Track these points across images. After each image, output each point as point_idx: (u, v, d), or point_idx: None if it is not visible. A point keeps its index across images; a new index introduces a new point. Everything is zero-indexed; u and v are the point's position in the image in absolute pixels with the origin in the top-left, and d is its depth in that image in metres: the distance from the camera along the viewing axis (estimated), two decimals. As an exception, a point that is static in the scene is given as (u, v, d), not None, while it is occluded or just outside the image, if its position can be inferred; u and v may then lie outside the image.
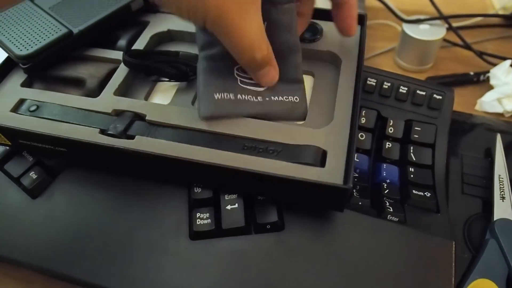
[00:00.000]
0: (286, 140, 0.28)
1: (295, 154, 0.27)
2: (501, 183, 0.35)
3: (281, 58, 0.31)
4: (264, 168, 0.26)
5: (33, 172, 0.32)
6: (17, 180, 0.32)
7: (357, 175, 0.34)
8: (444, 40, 0.50)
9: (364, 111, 0.37)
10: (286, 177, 0.25)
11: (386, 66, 0.52)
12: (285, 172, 0.26)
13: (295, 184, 0.25)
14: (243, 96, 0.30)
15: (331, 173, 0.26)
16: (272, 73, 0.29)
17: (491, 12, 0.59)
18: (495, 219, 0.33)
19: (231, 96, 0.30)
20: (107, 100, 0.31)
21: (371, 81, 0.38)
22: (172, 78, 0.33)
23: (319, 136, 0.29)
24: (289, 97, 0.31)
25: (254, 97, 0.31)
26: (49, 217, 0.30)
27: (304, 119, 0.31)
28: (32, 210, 0.31)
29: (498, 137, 0.39)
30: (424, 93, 0.37)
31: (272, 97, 0.31)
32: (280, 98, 0.31)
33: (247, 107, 0.30)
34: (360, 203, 0.32)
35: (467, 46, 0.49)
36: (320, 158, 0.27)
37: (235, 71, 0.31)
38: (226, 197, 0.29)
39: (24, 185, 0.32)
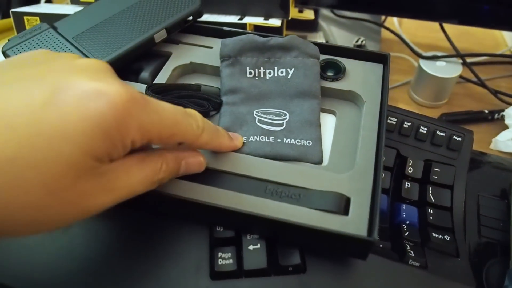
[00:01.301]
0: (309, 185, 0.28)
1: (318, 200, 0.27)
2: (519, 228, 0.35)
3: (299, 101, 0.33)
4: (286, 215, 0.26)
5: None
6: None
7: (376, 215, 0.34)
8: (460, 76, 0.50)
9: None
10: (308, 226, 0.25)
11: (401, 100, 0.52)
12: (307, 219, 0.26)
13: (317, 233, 0.25)
14: (255, 137, 0.31)
15: (355, 222, 0.26)
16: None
17: (503, 48, 0.59)
18: (513, 265, 0.33)
19: (244, 139, 0.31)
20: None
21: (392, 120, 0.38)
22: None
23: (343, 181, 0.28)
24: (302, 140, 0.32)
25: (266, 137, 0.31)
26: (66, 250, 0.30)
27: (319, 163, 0.31)
28: (49, 243, 0.30)
29: (514, 179, 0.39)
30: (444, 134, 0.37)
31: (285, 139, 0.32)
32: (293, 141, 0.32)
33: (257, 147, 0.31)
34: (381, 246, 0.31)
35: (482, 84, 0.49)
36: (344, 205, 0.27)
37: (255, 112, 0.33)
38: (248, 237, 0.29)
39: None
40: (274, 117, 0.33)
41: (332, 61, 0.36)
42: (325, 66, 0.36)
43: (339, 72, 0.36)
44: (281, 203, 0.27)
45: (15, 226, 0.20)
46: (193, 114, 0.26)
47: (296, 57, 0.34)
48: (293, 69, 0.34)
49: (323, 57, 0.36)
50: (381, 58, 0.36)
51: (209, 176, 0.29)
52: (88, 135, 0.19)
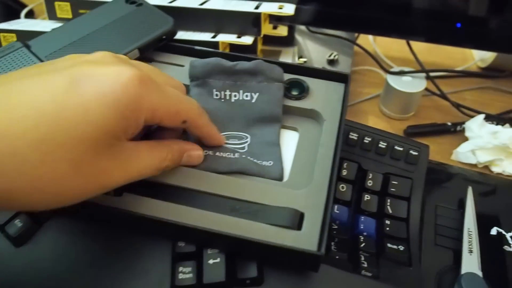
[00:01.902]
0: (267, 201, 0.30)
1: (274, 216, 0.29)
2: (469, 237, 0.37)
3: (261, 124, 0.35)
4: (243, 231, 0.28)
5: (18, 220, 0.32)
6: (1, 228, 0.32)
7: (336, 227, 0.36)
8: (426, 89, 0.52)
9: (345, 163, 0.39)
10: (261, 241, 0.27)
11: (371, 112, 0.54)
12: (263, 234, 0.28)
13: (270, 248, 0.27)
14: (221, 153, 0.33)
15: (307, 237, 0.28)
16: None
17: (470, 62, 0.62)
18: (462, 272, 0.35)
19: (210, 152, 0.33)
20: None
21: (353, 135, 0.40)
22: None
23: (299, 197, 0.30)
24: (263, 162, 0.34)
25: (232, 154, 0.33)
26: (32, 266, 0.31)
27: (280, 179, 0.33)
28: (15, 259, 0.31)
29: (470, 190, 0.41)
30: (401, 148, 0.39)
31: (249, 157, 0.33)
32: (255, 160, 0.33)
33: (224, 163, 0.33)
34: (337, 257, 0.33)
35: (445, 98, 0.52)
36: (297, 220, 0.29)
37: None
38: (209, 251, 0.30)
39: (9, 233, 0.31)
40: (236, 141, 0.34)
41: (296, 80, 0.38)
42: (290, 85, 0.38)
43: (303, 91, 0.38)
44: (240, 219, 0.29)
45: (43, 198, 0.22)
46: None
47: (261, 82, 0.36)
48: (257, 93, 0.36)
49: (289, 76, 0.38)
50: (342, 78, 0.38)
51: (170, 193, 0.30)
52: (106, 117, 0.22)
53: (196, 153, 0.31)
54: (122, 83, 0.23)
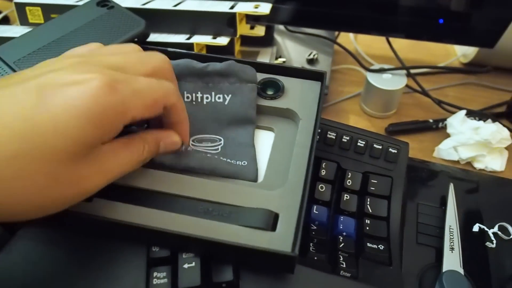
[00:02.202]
0: (241, 202, 0.30)
1: (247, 217, 0.29)
2: (451, 234, 0.37)
3: (235, 127, 0.35)
4: (216, 233, 0.27)
5: (-10, 228, 0.31)
6: (-29, 238, 0.31)
7: (315, 227, 0.35)
8: (407, 86, 0.53)
9: (324, 163, 0.38)
10: (233, 244, 0.26)
11: (352, 111, 0.54)
12: (236, 236, 0.27)
13: (243, 250, 0.27)
14: (193, 153, 0.32)
15: (281, 238, 0.28)
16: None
17: (453, 58, 0.62)
18: (443, 270, 0.34)
19: (183, 148, 0.32)
20: None
21: (331, 135, 0.40)
22: None
23: (274, 198, 0.30)
24: (237, 161, 0.33)
25: (205, 155, 0.33)
26: (5, 275, 0.30)
27: (255, 180, 0.32)
28: None
29: (451, 187, 0.41)
30: (380, 146, 0.39)
31: (222, 158, 0.33)
32: (229, 160, 0.33)
33: (196, 159, 0.32)
34: (315, 258, 0.33)
35: (426, 94, 0.52)
36: (272, 221, 0.28)
37: (191, 142, 0.34)
38: (184, 255, 0.30)
39: (-20, 243, 0.30)
40: (209, 144, 0.34)
41: (271, 80, 0.38)
42: (265, 85, 0.38)
43: (278, 90, 0.37)
44: (212, 222, 0.29)
45: (24, 210, 0.23)
46: (166, 73, 0.29)
47: (233, 83, 0.35)
48: (230, 95, 0.35)
49: (264, 75, 0.38)
50: (318, 76, 0.38)
51: (142, 197, 0.30)
52: (78, 129, 0.22)
53: (171, 139, 0.30)
54: (91, 94, 0.23)
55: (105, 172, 0.25)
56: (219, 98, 0.35)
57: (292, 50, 0.58)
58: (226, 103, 0.35)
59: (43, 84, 0.23)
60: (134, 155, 0.27)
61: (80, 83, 0.23)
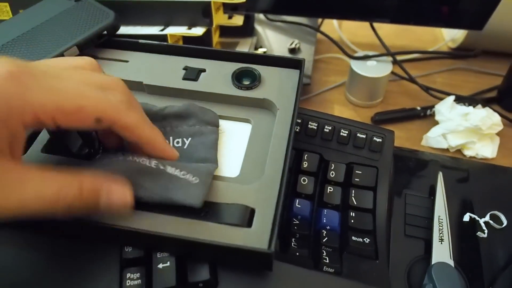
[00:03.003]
0: (215, 198, 0.29)
1: (222, 214, 0.28)
2: (440, 225, 0.36)
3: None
4: (190, 231, 0.26)
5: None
6: None
7: (297, 222, 0.35)
8: (393, 73, 0.52)
9: (306, 155, 0.38)
10: (207, 242, 0.26)
11: (336, 102, 0.53)
12: (211, 234, 0.26)
13: (218, 249, 0.26)
14: (134, 158, 0.28)
15: (258, 235, 0.27)
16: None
17: (441, 43, 0.61)
18: (433, 262, 0.34)
19: (120, 155, 0.29)
20: (34, 158, 0.31)
21: (313, 125, 0.39)
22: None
23: (249, 193, 0.29)
24: (188, 174, 0.29)
25: (148, 162, 0.28)
26: None
27: (198, 205, 0.27)
28: None
29: (440, 176, 0.40)
30: (364, 136, 0.39)
31: (169, 167, 0.29)
32: (177, 171, 0.29)
33: (133, 169, 0.28)
34: (297, 254, 0.32)
35: (413, 81, 0.51)
36: (247, 217, 0.28)
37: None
38: (158, 255, 0.29)
39: None
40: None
41: (247, 69, 0.37)
42: (241, 75, 0.37)
43: (255, 80, 0.36)
44: (185, 219, 0.28)
45: None
46: (114, 87, 0.24)
47: (193, 125, 0.33)
48: (189, 138, 0.33)
49: (239, 65, 0.37)
50: (296, 64, 0.37)
51: None
52: None
53: (118, 193, 0.24)
54: None
55: (3, 198, 0.20)
56: (177, 142, 0.33)
57: (273, 40, 0.57)
58: (185, 147, 0.32)
59: None
60: (48, 192, 0.22)
61: None
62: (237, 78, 0.36)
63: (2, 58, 0.21)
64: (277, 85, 0.36)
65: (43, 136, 0.32)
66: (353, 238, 0.34)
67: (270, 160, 0.31)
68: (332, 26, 0.63)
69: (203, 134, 0.33)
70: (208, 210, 0.29)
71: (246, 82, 0.36)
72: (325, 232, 0.34)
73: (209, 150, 0.32)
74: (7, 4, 0.47)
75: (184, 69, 0.37)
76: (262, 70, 0.37)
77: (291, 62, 0.37)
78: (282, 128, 0.33)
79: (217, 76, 0.37)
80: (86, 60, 0.27)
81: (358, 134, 0.39)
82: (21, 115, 0.20)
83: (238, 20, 0.50)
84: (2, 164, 0.20)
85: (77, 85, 0.22)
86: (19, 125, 0.20)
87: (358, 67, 0.49)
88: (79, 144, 0.31)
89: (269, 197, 0.29)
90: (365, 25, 0.54)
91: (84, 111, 0.22)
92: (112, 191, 0.24)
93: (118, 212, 0.25)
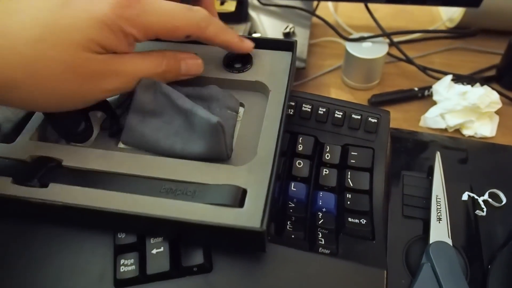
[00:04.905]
0: (206, 180, 0.29)
1: (213, 195, 0.28)
2: (438, 204, 0.36)
3: None
4: (179, 213, 0.26)
5: None
6: None
7: (293, 205, 0.35)
8: (390, 55, 0.52)
9: (301, 138, 0.38)
10: (198, 222, 0.26)
11: (333, 85, 0.53)
12: (203, 215, 0.26)
13: (211, 229, 0.26)
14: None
15: (249, 214, 0.27)
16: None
17: (438, 23, 0.61)
18: (431, 241, 0.34)
19: None
20: (23, 146, 0.31)
21: (307, 107, 0.39)
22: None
23: (240, 173, 0.29)
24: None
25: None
26: None
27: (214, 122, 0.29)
28: None
29: (438, 156, 0.40)
30: (359, 117, 0.38)
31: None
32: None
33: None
34: (293, 236, 0.32)
35: (411, 62, 0.51)
36: (239, 198, 0.28)
37: None
38: (152, 240, 0.29)
39: None
40: None
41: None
42: (233, 58, 0.37)
43: (247, 63, 0.36)
44: (176, 201, 0.28)
45: (42, 95, 0.27)
46: (196, 9, 0.31)
47: (214, 108, 0.34)
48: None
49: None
50: (288, 46, 0.37)
51: (100, 180, 0.29)
52: (93, 27, 0.26)
53: (193, 61, 0.33)
54: (109, 3, 0.27)
55: (120, 73, 0.29)
56: None
57: (268, 24, 0.57)
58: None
59: None
60: (151, 64, 0.31)
61: None
62: (229, 61, 0.36)
63: None
64: (269, 67, 0.36)
65: (32, 125, 0.33)
66: (350, 219, 0.34)
67: (262, 141, 0.31)
68: (327, 10, 0.63)
69: (222, 117, 0.33)
70: (198, 191, 0.29)
71: (238, 65, 0.36)
72: (321, 214, 0.34)
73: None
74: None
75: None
76: (254, 53, 0.37)
77: (283, 44, 0.37)
78: (274, 109, 0.33)
79: (208, 60, 0.37)
80: None
81: (353, 116, 0.38)
82: (134, 30, 0.28)
83: (230, 6, 0.50)
84: (117, 54, 0.29)
85: (171, 10, 0.30)
86: (130, 37, 0.28)
87: (354, 49, 0.49)
88: (82, 126, 0.32)
89: (261, 178, 0.29)
90: (361, 8, 0.53)
91: (178, 30, 0.30)
92: (188, 60, 0.33)
93: (194, 72, 0.34)
